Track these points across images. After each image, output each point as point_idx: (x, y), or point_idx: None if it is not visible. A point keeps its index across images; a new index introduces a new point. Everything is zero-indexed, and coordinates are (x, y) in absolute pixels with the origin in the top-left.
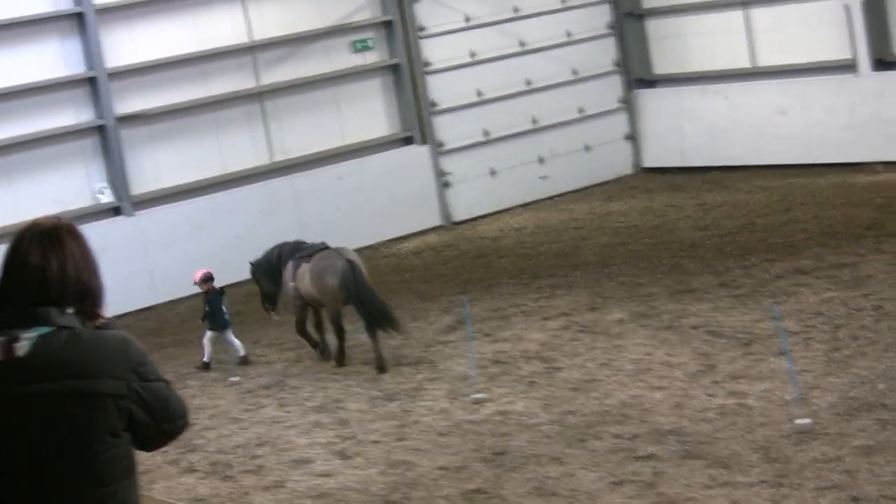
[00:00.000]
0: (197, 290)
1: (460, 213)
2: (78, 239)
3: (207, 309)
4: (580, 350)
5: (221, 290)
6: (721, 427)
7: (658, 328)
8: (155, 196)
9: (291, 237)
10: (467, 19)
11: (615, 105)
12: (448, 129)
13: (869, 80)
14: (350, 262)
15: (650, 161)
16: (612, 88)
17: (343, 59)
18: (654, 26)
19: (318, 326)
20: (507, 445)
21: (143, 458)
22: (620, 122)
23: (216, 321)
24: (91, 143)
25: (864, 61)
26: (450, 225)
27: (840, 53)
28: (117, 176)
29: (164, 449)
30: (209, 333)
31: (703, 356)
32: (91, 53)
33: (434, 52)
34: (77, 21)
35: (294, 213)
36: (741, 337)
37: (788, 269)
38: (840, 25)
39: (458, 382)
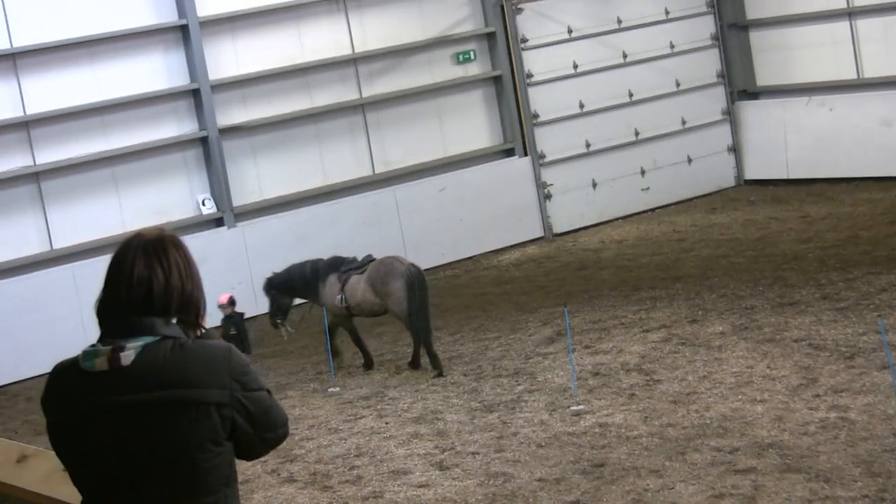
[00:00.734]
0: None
1: (561, 225)
2: (182, 250)
3: (234, 332)
4: (680, 363)
5: (243, 313)
6: (822, 441)
7: (759, 341)
8: (257, 207)
9: (393, 249)
10: (570, 31)
11: (718, 117)
12: (549, 141)
13: None
14: (414, 265)
15: (753, 173)
16: (716, 100)
17: (445, 70)
18: (757, 37)
19: (357, 340)
20: (606, 458)
21: (243, 468)
22: (723, 134)
23: (245, 344)
24: (194, 154)
25: None
26: (551, 237)
27: None
28: (219, 187)
29: (263, 459)
30: None
31: (804, 369)
32: (195, 65)
33: (536, 63)
34: (181, 33)
35: (395, 225)
36: (843, 350)
37: (893, 283)
38: None
39: (557, 394)
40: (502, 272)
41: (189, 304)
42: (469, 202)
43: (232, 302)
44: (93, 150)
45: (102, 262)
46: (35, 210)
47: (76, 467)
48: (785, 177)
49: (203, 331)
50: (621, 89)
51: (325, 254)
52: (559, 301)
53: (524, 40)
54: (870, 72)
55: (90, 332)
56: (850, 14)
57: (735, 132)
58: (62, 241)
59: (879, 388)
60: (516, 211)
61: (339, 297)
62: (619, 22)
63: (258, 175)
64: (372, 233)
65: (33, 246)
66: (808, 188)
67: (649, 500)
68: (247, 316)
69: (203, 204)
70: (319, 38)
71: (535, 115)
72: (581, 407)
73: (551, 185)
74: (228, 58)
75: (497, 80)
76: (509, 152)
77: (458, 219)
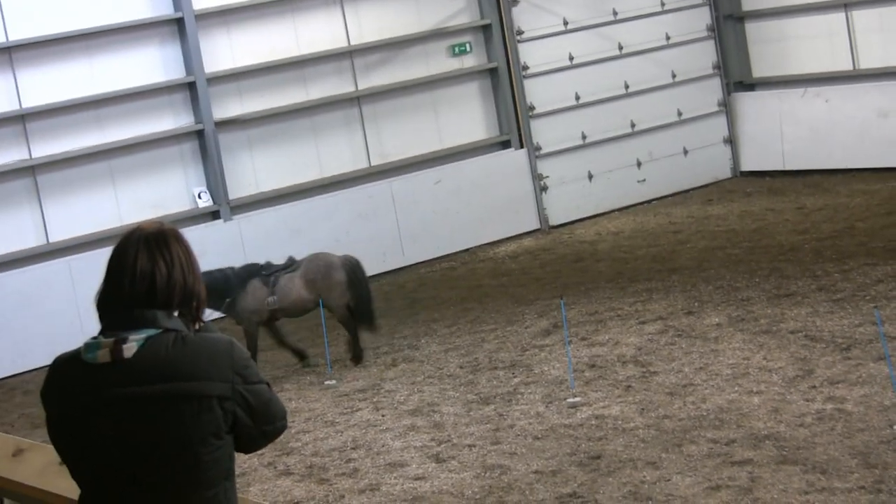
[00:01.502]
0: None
1: (557, 217)
2: (182, 243)
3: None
4: (677, 354)
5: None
6: (819, 432)
7: (756, 332)
8: (253, 200)
9: (389, 241)
10: (565, 23)
11: (714, 108)
12: (546, 133)
13: None
14: (350, 256)
15: (749, 164)
16: (711, 92)
17: (441, 63)
18: (753, 29)
19: (281, 342)
20: (602, 450)
21: (240, 461)
22: (719, 126)
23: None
24: (190, 147)
25: None
26: (547, 229)
27: None
28: (216, 180)
29: (260, 451)
30: None
31: (801, 361)
32: (190, 58)
33: (532, 55)
34: (177, 26)
35: (391, 217)
36: (840, 341)
37: (889, 274)
38: None
39: (553, 386)
40: (498, 264)
41: (191, 297)
42: (465, 194)
43: None
44: (89, 144)
45: (99, 256)
46: (31, 204)
47: (76, 460)
48: (781, 168)
49: (202, 323)
50: (617, 81)
51: (322, 247)
52: (555, 293)
53: (520, 32)
54: (866, 63)
55: (86, 326)
56: (847, 5)
57: (731, 124)
58: (58, 235)
59: (876, 380)
60: (512, 203)
61: (269, 299)
62: (615, 14)
63: (254, 168)
64: (368, 225)
65: (29, 239)
66: (804, 179)
67: (646, 491)
68: None
69: (199, 197)
70: (315, 31)
71: (532, 108)
72: (577, 399)
73: (547, 177)
74: (224, 51)
75: (493, 72)
76: (505, 144)
77: (455, 211)
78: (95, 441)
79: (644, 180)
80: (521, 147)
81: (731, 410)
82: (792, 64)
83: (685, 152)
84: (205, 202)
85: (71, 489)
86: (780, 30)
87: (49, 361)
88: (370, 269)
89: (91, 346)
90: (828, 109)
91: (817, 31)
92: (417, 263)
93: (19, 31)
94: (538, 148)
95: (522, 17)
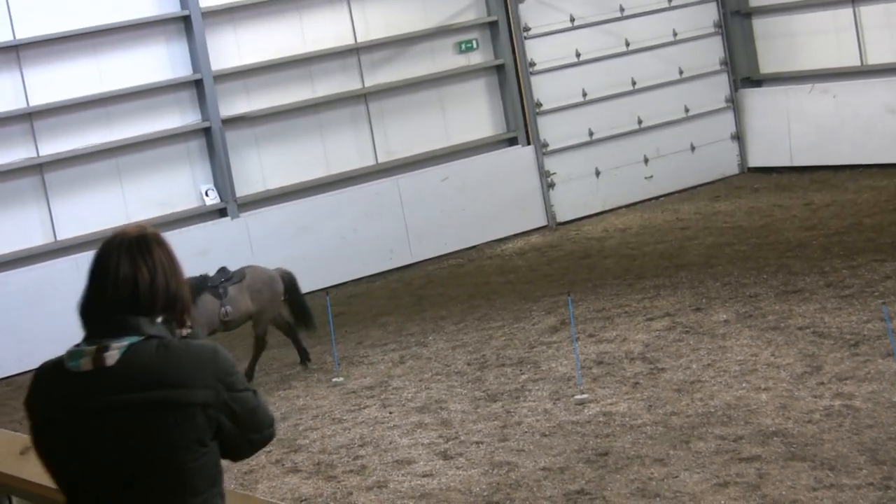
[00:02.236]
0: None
1: (565, 214)
2: (165, 247)
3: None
4: (684, 351)
5: None
6: (827, 429)
7: (763, 329)
8: (260, 197)
9: (396, 238)
10: (572, 19)
11: (721, 104)
12: (553, 130)
13: None
14: (284, 270)
15: (756, 161)
16: (719, 88)
17: (447, 59)
18: (761, 25)
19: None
20: (610, 446)
21: (248, 459)
22: (727, 122)
23: None
24: (197, 145)
25: None
26: (554, 225)
27: None
28: (223, 177)
29: (267, 449)
30: None
31: (809, 357)
32: (197, 56)
33: (539, 52)
34: (183, 24)
35: (398, 215)
36: (848, 338)
37: None
38: None
39: (561, 383)
40: (506, 261)
41: (174, 301)
42: (472, 191)
43: None
44: (96, 142)
45: None
46: (38, 201)
47: (61, 468)
48: (788, 164)
49: (189, 328)
50: (624, 77)
51: (330, 244)
52: (563, 290)
53: (527, 29)
54: (873, 59)
55: None
56: (854, 1)
57: (738, 120)
58: (66, 233)
59: (884, 376)
60: (519, 200)
61: (223, 310)
62: (622, 10)
63: (261, 165)
64: (375, 222)
65: (37, 237)
66: (811, 175)
67: (654, 488)
68: None
69: (206, 195)
70: (322, 28)
71: (538, 104)
72: (585, 396)
73: (554, 173)
74: (231, 48)
75: (500, 68)
76: (512, 141)
77: (461, 208)
78: (80, 449)
79: (651, 177)
80: (528, 144)
81: (738, 407)
82: (799, 60)
83: (692, 149)
84: (212, 200)
85: None
86: (788, 25)
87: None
88: (377, 267)
89: (74, 353)
90: (835, 105)
91: (825, 26)
92: (424, 260)
93: (26, 30)
94: (545, 144)
95: (529, 14)
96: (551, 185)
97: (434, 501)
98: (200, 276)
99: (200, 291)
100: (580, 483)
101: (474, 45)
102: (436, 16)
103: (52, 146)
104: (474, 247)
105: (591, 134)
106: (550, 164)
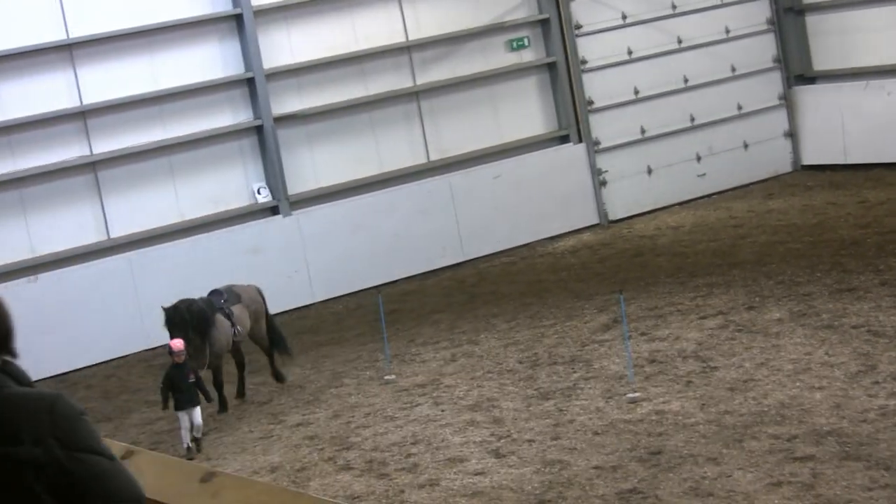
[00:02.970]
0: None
1: (617, 212)
2: None
3: (193, 380)
4: (737, 349)
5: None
6: (882, 428)
7: (817, 327)
8: (312, 195)
9: (448, 236)
10: (624, 17)
11: (774, 102)
12: (604, 127)
13: None
14: (255, 286)
15: (810, 158)
16: (772, 85)
17: (499, 57)
18: (814, 21)
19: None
20: (662, 445)
21: (301, 456)
22: (780, 119)
23: (183, 398)
24: (249, 143)
25: None
26: (606, 223)
27: None
28: (275, 175)
29: (319, 446)
30: (181, 415)
31: (863, 356)
32: (249, 54)
33: (590, 49)
34: (236, 22)
35: (450, 212)
36: None
37: None
38: None
39: (613, 381)
40: (558, 259)
41: (7, 334)
42: (524, 189)
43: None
44: (149, 140)
45: (159, 251)
46: (92, 199)
47: None
48: (842, 162)
49: (14, 356)
50: (676, 75)
51: (382, 242)
52: (615, 288)
53: (578, 26)
54: None
55: (146, 321)
56: None
57: (791, 117)
58: (119, 230)
59: None
60: (571, 198)
61: (234, 330)
62: (674, 7)
63: (313, 163)
64: (427, 220)
65: (90, 235)
66: (865, 173)
67: (707, 487)
68: (300, 306)
69: (258, 192)
70: (373, 27)
71: (590, 102)
72: (637, 394)
73: (606, 171)
74: (283, 46)
75: (551, 66)
76: (564, 139)
77: (514, 206)
78: None
79: (704, 174)
80: (580, 142)
81: (792, 406)
82: (853, 57)
83: (745, 146)
84: (264, 198)
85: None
86: (841, 22)
87: (110, 357)
88: (429, 264)
89: None
90: (890, 102)
91: (879, 23)
92: (476, 258)
93: (80, 29)
94: (597, 142)
95: (580, 12)
96: (603, 183)
97: (486, 500)
98: (204, 298)
99: (214, 313)
100: (632, 482)
101: (526, 43)
102: (487, 14)
103: (105, 144)
104: (526, 244)
105: (642, 131)
106: (602, 161)
